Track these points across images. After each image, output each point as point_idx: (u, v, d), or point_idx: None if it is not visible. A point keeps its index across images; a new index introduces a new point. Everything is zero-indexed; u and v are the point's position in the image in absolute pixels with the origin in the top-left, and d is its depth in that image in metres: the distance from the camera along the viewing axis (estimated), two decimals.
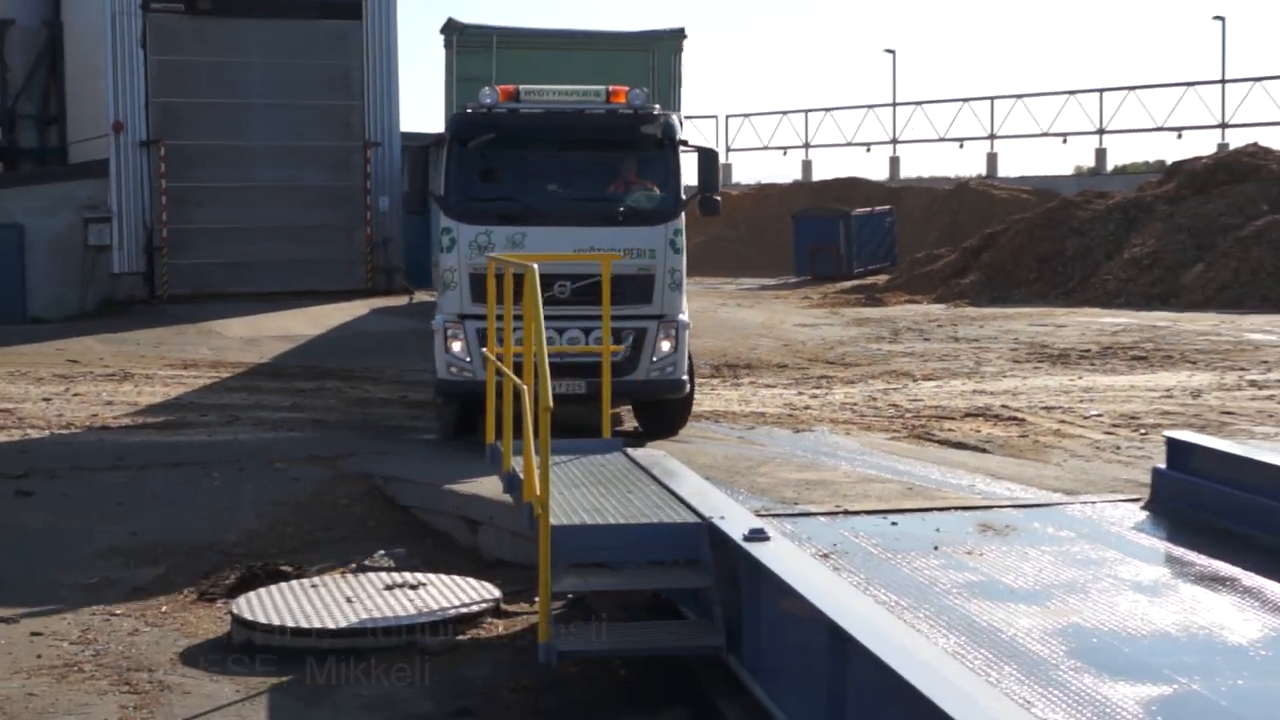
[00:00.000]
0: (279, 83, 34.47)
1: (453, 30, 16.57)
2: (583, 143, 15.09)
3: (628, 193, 15.03)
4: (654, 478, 9.26)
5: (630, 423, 16.73)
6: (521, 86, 14.75)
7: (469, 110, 14.90)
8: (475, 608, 8.86)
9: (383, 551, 10.54)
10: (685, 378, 15.16)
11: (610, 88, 15.12)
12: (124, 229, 33.17)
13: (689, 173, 15.58)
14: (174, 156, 33.55)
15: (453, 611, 8.73)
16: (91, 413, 18.08)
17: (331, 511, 12.10)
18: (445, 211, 14.59)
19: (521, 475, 8.22)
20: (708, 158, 15.22)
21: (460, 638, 8.51)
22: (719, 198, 15.37)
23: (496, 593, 9.12)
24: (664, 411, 15.59)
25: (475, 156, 14.58)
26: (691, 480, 9.14)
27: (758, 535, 7.35)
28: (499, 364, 10.15)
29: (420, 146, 15.10)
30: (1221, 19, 53.21)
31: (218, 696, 7.72)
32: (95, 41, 34.16)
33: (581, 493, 8.73)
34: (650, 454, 10.25)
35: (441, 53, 26.20)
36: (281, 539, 11.08)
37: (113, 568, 10.32)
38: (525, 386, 8.14)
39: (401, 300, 33.07)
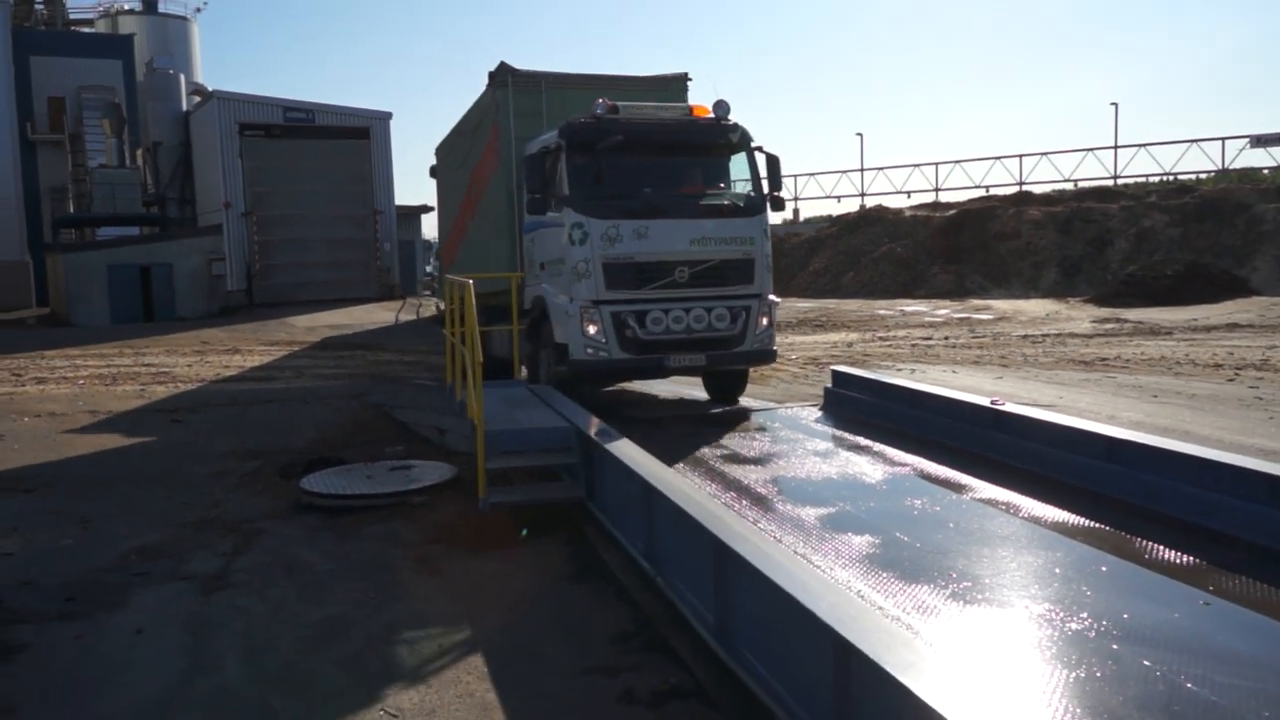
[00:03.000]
0: (322, 176, 34.36)
1: (507, 73, 12.21)
2: (682, 147, 10.89)
3: (724, 190, 11.06)
4: (544, 401, 9.21)
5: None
6: (620, 103, 10.65)
7: (581, 120, 10.49)
8: (443, 479, 8.76)
9: (389, 449, 10.37)
10: (776, 348, 11.19)
11: (691, 104, 11.37)
12: (232, 264, 33.09)
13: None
14: (262, 221, 33.39)
15: (429, 482, 8.64)
16: (216, 372, 17.55)
17: (359, 426, 11.88)
18: (574, 208, 10.15)
19: (467, 401, 8.16)
20: (774, 162, 10.99)
21: (434, 497, 8.41)
22: (783, 196, 11.25)
23: (455, 470, 9.01)
24: (733, 381, 11.68)
25: (591, 160, 10.30)
26: (566, 402, 9.10)
27: (606, 432, 7.38)
28: (452, 339, 9.99)
29: (535, 155, 10.86)
30: (861, 134, 54.18)
31: (291, 536, 7.56)
32: (212, 153, 33.77)
33: (504, 410, 8.67)
34: (541, 388, 10.17)
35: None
36: (330, 443, 10.83)
37: (229, 462, 10.03)
38: (469, 352, 8.03)
39: (398, 302, 32.75)
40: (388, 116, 35.73)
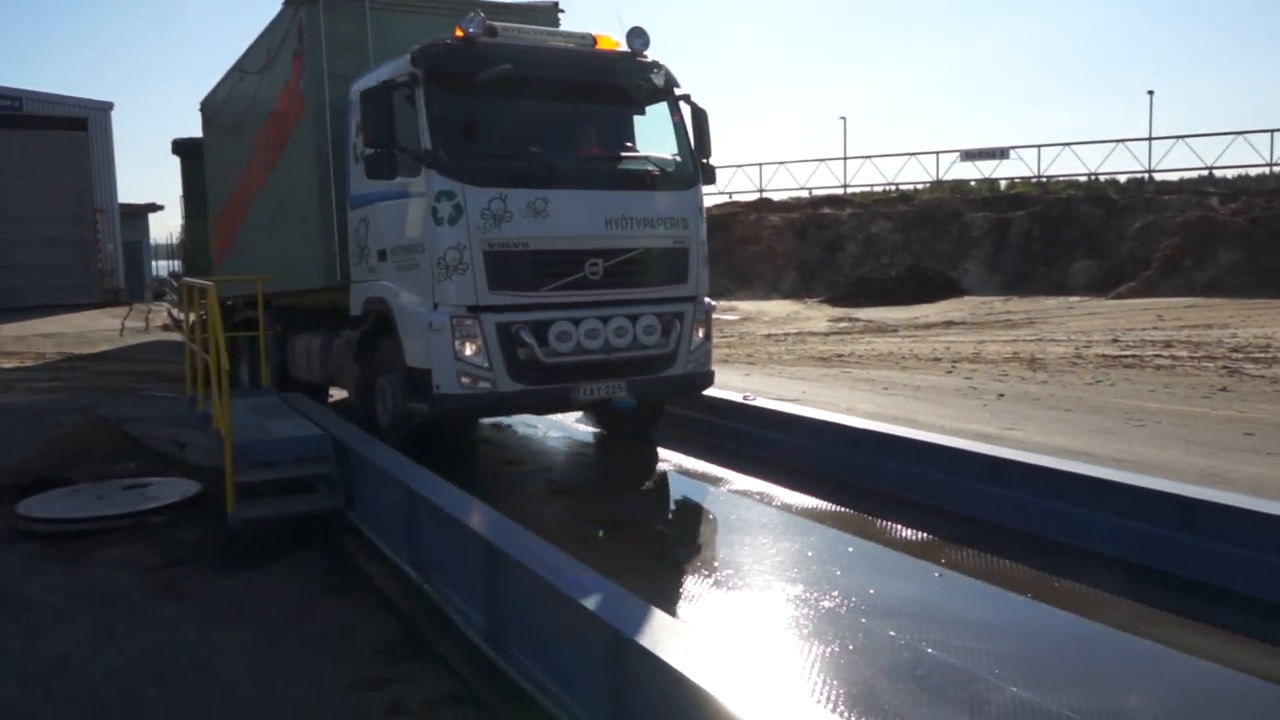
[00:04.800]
0: (31, 170, 31.35)
1: None
2: (585, 89, 7.92)
3: (639, 154, 8.24)
4: (298, 410, 8.80)
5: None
6: (498, 24, 7.63)
7: (446, 43, 7.44)
8: (185, 496, 8.15)
9: (120, 466, 9.55)
10: (714, 368, 8.47)
11: (595, 34, 8.13)
12: None
13: None
14: None
15: (170, 499, 7.98)
16: None
17: (85, 443, 10.81)
18: (441, 170, 7.22)
19: (212, 412, 7.68)
20: (702, 118, 8.30)
21: (176, 516, 7.81)
22: (712, 164, 8.42)
23: (199, 486, 8.39)
24: (646, 409, 8.57)
25: (462, 101, 7.37)
26: (320, 410, 8.74)
27: (366, 440, 7.15)
28: (190, 344, 9.34)
29: (375, 93, 7.44)
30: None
31: (8, 567, 6.80)
32: None
33: (253, 420, 8.20)
34: (293, 396, 9.69)
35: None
36: (50, 463, 9.81)
37: None
38: (210, 359, 7.53)
39: (123, 309, 30.26)
40: (109, 107, 33.12)
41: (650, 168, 8.06)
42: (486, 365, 7.23)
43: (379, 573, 6.23)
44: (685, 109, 8.26)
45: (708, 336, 8.19)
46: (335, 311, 9.30)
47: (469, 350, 7.22)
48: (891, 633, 4.63)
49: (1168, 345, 16.10)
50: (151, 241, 39.84)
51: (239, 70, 11.77)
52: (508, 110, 7.64)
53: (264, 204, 11.16)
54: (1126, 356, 14.92)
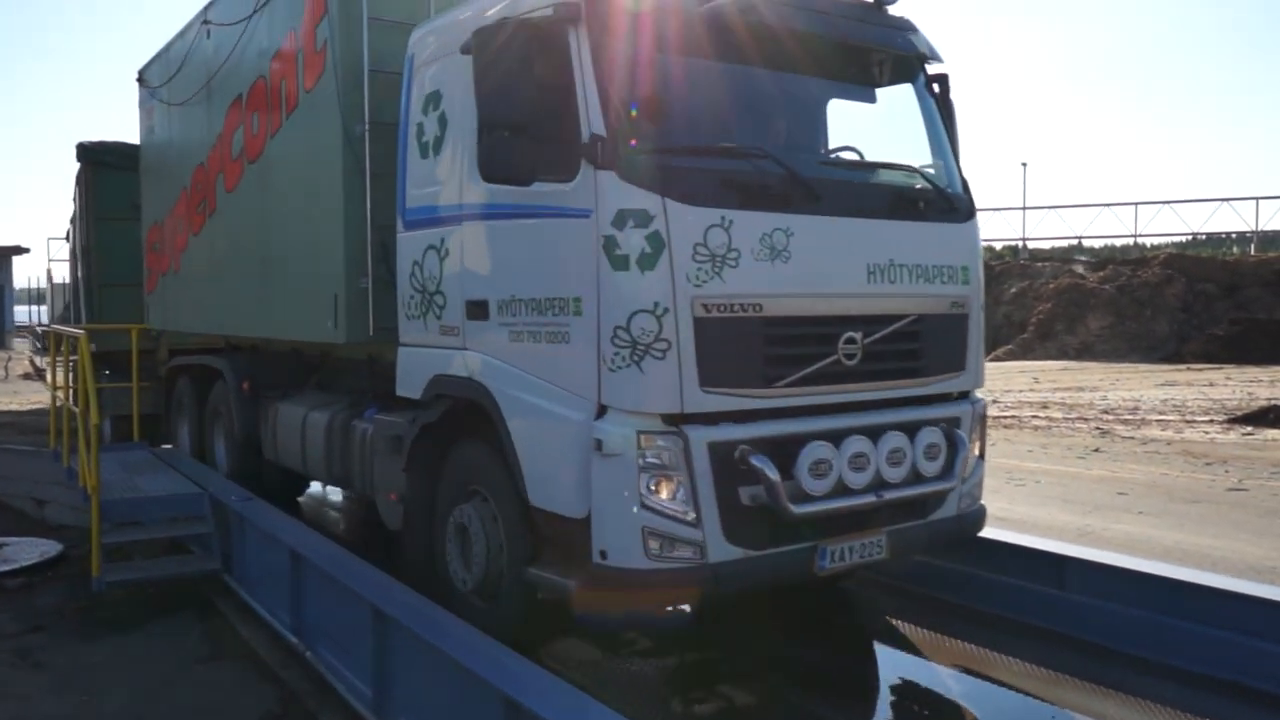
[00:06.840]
0: None
1: None
2: (823, 51, 4.89)
3: (886, 162, 5.25)
4: (173, 466, 8.44)
5: None
6: None
7: None
8: (45, 557, 7.70)
9: None
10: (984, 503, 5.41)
11: None
12: None
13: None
14: None
15: (27, 561, 7.55)
16: None
17: None
18: (625, 174, 4.14)
19: (78, 468, 7.31)
20: (950, 111, 5.45)
21: (34, 579, 7.37)
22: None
23: (60, 546, 7.96)
24: None
25: (649, 59, 4.33)
26: (197, 467, 8.39)
27: (246, 499, 6.89)
28: (59, 396, 8.87)
29: (503, 29, 4.32)
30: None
31: None
32: None
33: (123, 476, 7.82)
34: (166, 450, 9.32)
35: None
36: None
37: None
38: (79, 411, 7.17)
39: None
40: None
41: (921, 184, 5.22)
42: (693, 518, 4.22)
43: (258, 639, 5.97)
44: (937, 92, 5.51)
45: (982, 455, 5.36)
46: (333, 367, 7.27)
47: (664, 493, 4.20)
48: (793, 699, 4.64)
49: (1044, 406, 16.79)
50: (15, 286, 38.04)
51: (204, 23, 8.39)
52: (716, 78, 4.79)
53: (237, 209, 8.03)
54: (1006, 417, 15.49)
